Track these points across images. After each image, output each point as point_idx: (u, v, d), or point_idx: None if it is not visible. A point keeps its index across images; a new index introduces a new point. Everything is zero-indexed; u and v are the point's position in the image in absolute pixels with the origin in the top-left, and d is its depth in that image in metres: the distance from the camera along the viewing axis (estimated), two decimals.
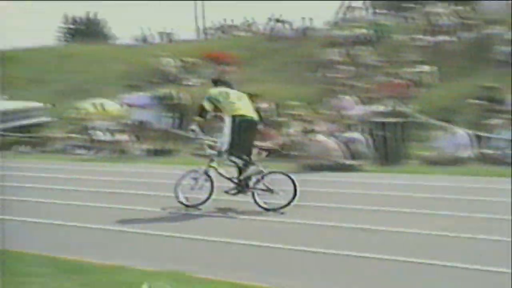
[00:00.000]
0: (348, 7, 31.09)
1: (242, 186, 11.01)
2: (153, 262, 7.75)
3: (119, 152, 20.53)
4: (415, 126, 18.07)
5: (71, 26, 58.34)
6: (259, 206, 10.74)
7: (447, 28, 22.52)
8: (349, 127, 17.37)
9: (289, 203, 10.49)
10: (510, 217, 9.24)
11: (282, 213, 10.41)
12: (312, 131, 16.45)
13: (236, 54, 26.59)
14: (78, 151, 21.26)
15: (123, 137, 21.00)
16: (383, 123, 16.29)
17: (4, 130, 23.12)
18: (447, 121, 16.46)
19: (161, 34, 38.10)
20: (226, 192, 11.08)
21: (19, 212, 11.11)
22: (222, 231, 9.44)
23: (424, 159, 15.90)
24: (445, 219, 9.77)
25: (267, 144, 18.30)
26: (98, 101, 23.93)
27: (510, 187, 11.51)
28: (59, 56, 34.18)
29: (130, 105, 22.22)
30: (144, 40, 37.60)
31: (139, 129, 21.11)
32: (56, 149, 21.90)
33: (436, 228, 9.00)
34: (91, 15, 59.16)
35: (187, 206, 10.99)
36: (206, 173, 11.09)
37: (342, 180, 13.90)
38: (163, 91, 22.40)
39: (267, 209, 10.63)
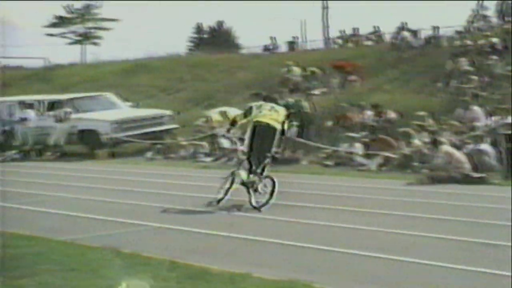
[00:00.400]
0: (476, 15, 30.27)
1: (247, 187, 12.14)
2: None
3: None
4: None
5: (202, 36, 59.62)
6: (251, 204, 11.94)
7: None
8: (477, 139, 16.87)
9: (267, 202, 11.91)
10: None
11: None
12: (439, 142, 16.05)
13: (362, 63, 26.39)
14: (205, 158, 21.59)
15: None
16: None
17: (134, 136, 23.83)
18: None
19: (287, 43, 38.35)
20: None
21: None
22: None
23: None
24: None
25: (387, 153, 18.10)
26: (224, 109, 24.23)
27: None
28: (189, 65, 34.96)
29: None
30: (271, 49, 37.93)
31: None
32: (182, 156, 22.35)
33: None
34: (219, 25, 60.26)
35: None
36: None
37: (469, 193, 13.51)
38: (287, 100, 22.46)
39: (255, 207, 11.86)
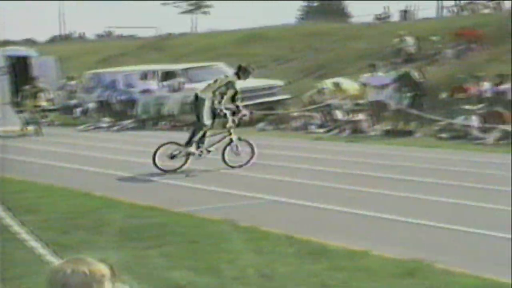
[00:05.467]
0: None
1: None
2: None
3: (356, 131, 20.52)
4: None
5: (311, 5, 59.19)
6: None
7: None
8: None
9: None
10: None
11: None
12: None
13: (483, 32, 25.50)
14: (317, 129, 21.50)
15: (360, 116, 20.97)
16: None
17: (247, 107, 23.91)
18: None
19: (400, 12, 37.62)
20: None
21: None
22: None
23: None
24: None
25: (505, 127, 17.50)
26: (337, 80, 24.02)
27: None
28: (301, 34, 34.77)
29: (367, 85, 22.13)
30: (382, 18, 37.30)
31: (376, 109, 20.95)
32: (295, 127, 22.31)
33: None
34: None
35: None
36: None
37: None
38: (401, 70, 22.06)
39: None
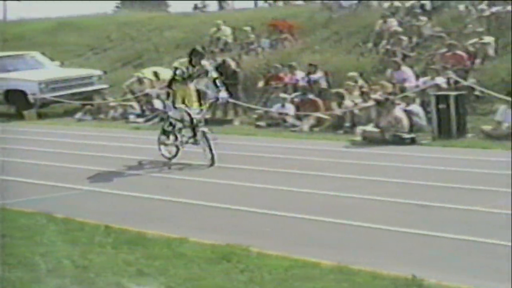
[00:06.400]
0: None
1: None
2: None
3: None
4: (476, 99, 17.70)
5: None
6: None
7: None
8: (407, 100, 17.05)
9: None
10: None
11: None
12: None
13: (294, 23, 26.31)
14: (136, 119, 21.33)
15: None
16: (442, 96, 15.93)
17: (62, 97, 23.37)
18: (509, 94, 15.99)
19: (218, 2, 38.02)
20: None
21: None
22: None
23: (484, 133, 15.52)
24: (500, 195, 9.52)
25: (319, 114, 18.18)
26: (155, 69, 23.94)
27: None
28: (117, 23, 34.29)
29: None
30: (200, 8, 37.53)
31: None
32: (112, 117, 22.05)
33: (491, 205, 8.81)
34: None
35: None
36: None
37: (402, 154, 13.67)
38: (218, 60, 22.30)
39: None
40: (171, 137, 13.33)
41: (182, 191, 10.67)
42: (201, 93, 14.21)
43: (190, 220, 8.87)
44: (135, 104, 22.19)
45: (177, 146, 13.27)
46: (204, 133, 12.72)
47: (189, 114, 12.87)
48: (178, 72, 12.96)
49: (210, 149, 12.56)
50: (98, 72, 25.00)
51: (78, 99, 23.44)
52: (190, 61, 13.02)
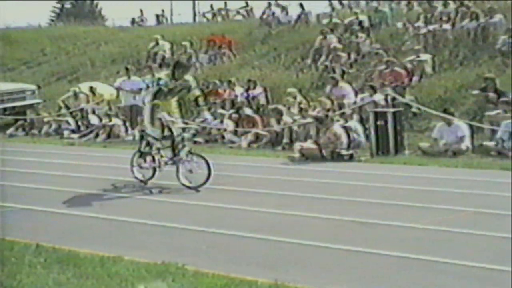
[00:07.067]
0: None
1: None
2: None
3: (111, 136, 20.22)
4: (413, 116, 17.83)
5: (63, 6, 57.76)
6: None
7: (447, 16, 22.12)
8: (345, 116, 17.05)
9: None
10: (507, 212, 8.99)
11: None
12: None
13: (232, 39, 26.24)
14: (71, 134, 20.93)
15: (115, 121, 20.65)
16: (380, 113, 15.96)
17: None
18: (446, 111, 16.12)
19: (156, 16, 37.68)
20: None
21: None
22: None
23: (421, 150, 15.59)
24: (437, 212, 9.52)
25: (258, 130, 18.06)
26: (90, 84, 23.59)
27: (508, 180, 11.19)
28: (52, 37, 33.76)
29: (121, 89, 21.98)
30: (138, 22, 37.11)
31: (131, 114, 20.77)
32: (48, 132, 21.59)
33: (428, 222, 8.76)
34: None
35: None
36: None
37: (341, 171, 13.61)
38: (157, 75, 21.99)
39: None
40: (148, 159, 12.01)
41: (116, 210, 10.36)
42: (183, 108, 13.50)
43: (125, 239, 8.59)
44: (70, 119, 21.78)
45: (154, 168, 12.05)
46: (190, 152, 11.73)
47: (170, 129, 11.80)
48: (161, 82, 11.85)
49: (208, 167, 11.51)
50: (31, 86, 24.51)
51: (10, 114, 22.90)
52: (173, 74, 11.95)
